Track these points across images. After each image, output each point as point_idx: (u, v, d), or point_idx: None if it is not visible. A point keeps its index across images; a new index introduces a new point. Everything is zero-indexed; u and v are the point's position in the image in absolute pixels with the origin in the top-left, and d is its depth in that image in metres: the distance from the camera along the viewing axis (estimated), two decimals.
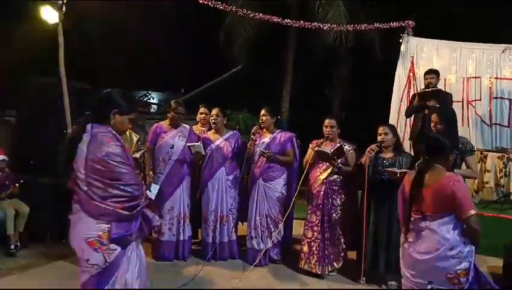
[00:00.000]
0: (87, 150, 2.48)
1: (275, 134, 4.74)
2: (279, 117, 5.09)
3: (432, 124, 4.06)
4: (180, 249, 4.68)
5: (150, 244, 4.81)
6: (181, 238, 4.68)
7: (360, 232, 4.33)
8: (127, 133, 4.53)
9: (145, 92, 13.29)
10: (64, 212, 4.89)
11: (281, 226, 4.62)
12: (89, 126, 2.55)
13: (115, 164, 2.48)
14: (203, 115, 5.14)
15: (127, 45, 10.85)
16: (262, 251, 4.57)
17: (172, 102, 4.88)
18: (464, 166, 3.95)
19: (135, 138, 4.62)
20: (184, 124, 4.86)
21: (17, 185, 4.98)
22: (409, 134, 5.99)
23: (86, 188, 2.48)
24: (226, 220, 4.73)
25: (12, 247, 4.73)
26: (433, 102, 4.95)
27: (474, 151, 4.06)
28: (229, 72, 9.30)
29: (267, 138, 4.69)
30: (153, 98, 13.64)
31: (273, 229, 4.63)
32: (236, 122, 8.47)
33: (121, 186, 2.49)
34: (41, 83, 5.28)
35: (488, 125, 5.83)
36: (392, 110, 6.15)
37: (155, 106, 12.88)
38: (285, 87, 10.26)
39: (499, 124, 5.78)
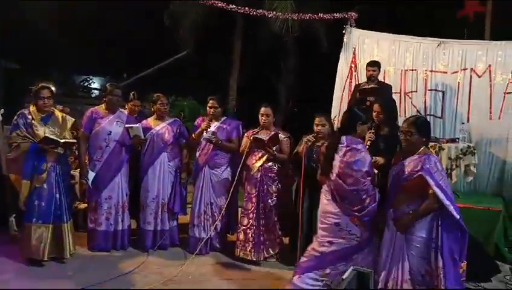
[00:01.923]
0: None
1: (221, 122, 4.69)
2: (226, 106, 5.05)
3: (374, 114, 4.19)
4: (118, 239, 4.52)
5: (85, 234, 4.61)
6: (119, 227, 4.52)
7: (294, 218, 4.41)
8: (60, 115, 4.26)
9: (86, 77, 12.71)
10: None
11: (223, 213, 4.59)
12: (343, 138, 3.34)
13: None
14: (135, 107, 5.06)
15: (68, 26, 10.28)
16: (204, 240, 4.53)
17: (107, 85, 4.68)
18: None
19: (69, 121, 4.34)
20: (121, 109, 4.69)
21: None
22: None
23: None
24: (167, 207, 4.63)
25: None
26: (373, 98, 5.10)
27: None
28: (173, 58, 9.09)
29: (213, 126, 4.62)
30: (94, 83, 13.08)
31: (217, 218, 4.60)
32: (181, 109, 8.32)
33: None
34: None
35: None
36: (335, 100, 6.23)
37: (96, 91, 12.38)
38: (232, 75, 10.21)
39: (433, 115, 6.02)
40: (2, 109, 4.74)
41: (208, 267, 4.33)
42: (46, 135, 3.97)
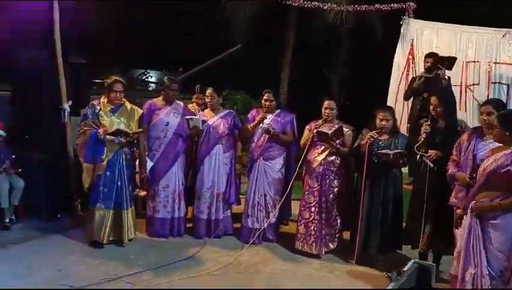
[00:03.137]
0: None
1: (275, 114, 4.72)
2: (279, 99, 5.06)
3: (432, 107, 4.06)
4: (175, 226, 4.70)
5: (144, 221, 4.83)
6: (176, 215, 4.69)
7: (354, 213, 4.38)
8: (129, 106, 4.49)
9: (143, 71, 13.19)
10: (58, 188, 5.02)
11: (278, 206, 4.64)
12: None
13: None
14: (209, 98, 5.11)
15: (125, 22, 10.71)
16: (259, 231, 4.60)
17: (165, 78, 4.85)
18: None
19: (137, 112, 4.57)
20: (177, 101, 4.84)
21: (11, 159, 4.96)
22: (407, 117, 5.96)
23: None
24: (222, 197, 4.74)
25: (7, 220, 4.74)
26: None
27: None
28: (226, 52, 9.21)
29: (268, 119, 4.66)
30: (151, 77, 13.55)
31: (270, 209, 4.65)
32: (234, 102, 8.42)
33: None
34: (33, 55, 5.18)
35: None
36: (390, 92, 6.12)
37: (153, 85, 12.81)
38: (284, 68, 10.19)
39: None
40: (70, 101, 5.04)
41: (261, 256, 4.39)
42: (118, 127, 4.21)
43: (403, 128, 5.72)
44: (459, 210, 3.30)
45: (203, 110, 5.08)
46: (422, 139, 4.00)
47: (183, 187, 4.77)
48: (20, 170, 4.88)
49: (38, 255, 4.05)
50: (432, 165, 3.93)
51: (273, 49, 10.58)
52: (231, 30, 9.44)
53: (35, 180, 4.97)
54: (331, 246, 4.46)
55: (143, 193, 5.18)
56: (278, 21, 10.11)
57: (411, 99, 5.81)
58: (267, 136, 4.62)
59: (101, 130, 4.18)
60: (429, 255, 4.24)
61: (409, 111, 6.00)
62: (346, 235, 4.61)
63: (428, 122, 4.04)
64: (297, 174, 4.64)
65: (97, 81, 6.42)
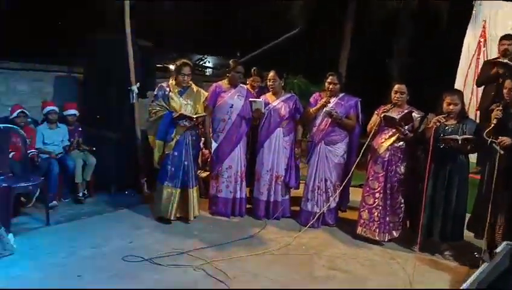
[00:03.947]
0: None
1: (339, 98, 4.66)
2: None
3: (505, 91, 3.87)
4: (237, 206, 4.82)
5: (207, 200, 4.98)
6: (238, 195, 4.81)
7: (418, 199, 4.27)
8: (195, 89, 4.63)
9: (201, 56, 13.44)
10: (126, 166, 5.29)
11: (338, 191, 4.62)
12: None
13: None
14: (257, 83, 5.20)
15: (184, 8, 10.96)
16: (318, 214, 4.61)
17: (231, 61, 4.93)
18: None
19: (203, 94, 4.71)
20: (241, 84, 4.91)
21: (84, 137, 5.28)
22: (478, 104, 5.67)
23: None
24: (281, 179, 4.79)
25: (80, 195, 5.08)
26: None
27: None
28: (284, 36, 9.17)
29: (331, 102, 4.62)
30: (209, 62, 13.78)
31: (330, 194, 4.65)
32: (291, 87, 8.40)
33: None
34: (107, 40, 5.46)
35: None
36: (458, 76, 5.83)
37: (210, 70, 13.03)
38: (343, 53, 10.02)
39: None
40: (138, 83, 5.26)
41: (321, 240, 4.41)
42: (182, 112, 4.38)
43: (471, 115, 5.46)
44: None
45: (257, 93, 5.11)
46: (493, 124, 3.83)
47: (245, 169, 4.87)
48: (94, 148, 5.19)
49: (110, 228, 4.32)
50: (502, 151, 3.76)
51: (332, 34, 10.42)
52: (290, 15, 9.40)
53: (106, 157, 5.27)
54: (394, 234, 4.39)
55: (204, 174, 5.35)
56: (338, 5, 9.93)
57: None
58: (330, 120, 4.59)
59: (176, 114, 4.36)
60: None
61: (478, 96, 5.71)
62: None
63: (500, 108, 3.85)
64: (359, 162, 4.58)
65: (161, 65, 6.69)
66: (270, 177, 4.77)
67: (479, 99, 5.73)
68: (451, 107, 4.06)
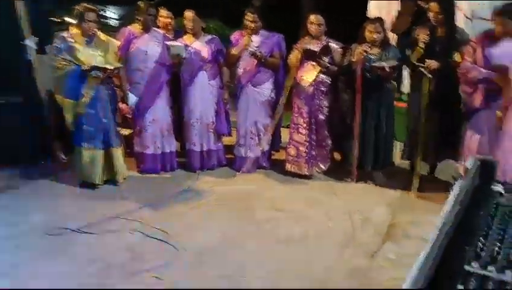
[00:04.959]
0: None
1: (261, 36, 4.44)
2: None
3: (432, 14, 3.90)
4: (167, 161, 4.52)
5: (132, 159, 4.61)
6: (167, 150, 4.50)
7: (348, 132, 4.32)
8: (104, 37, 4.10)
9: (102, 7, 12.24)
10: (34, 131, 4.67)
11: (270, 132, 4.50)
12: None
13: None
14: (168, 20, 4.67)
15: None
16: (251, 158, 4.49)
17: (139, 3, 4.38)
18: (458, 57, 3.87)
19: (113, 43, 4.17)
20: (155, 28, 4.47)
21: None
22: (392, 26, 5.70)
23: None
24: (212, 127, 4.54)
25: None
26: None
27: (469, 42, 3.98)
28: None
29: (253, 41, 4.38)
30: (114, 13, 12.64)
31: (262, 136, 4.51)
32: (206, 31, 7.96)
33: None
34: None
35: (471, 20, 5.65)
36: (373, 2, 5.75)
37: (116, 21, 11.97)
38: None
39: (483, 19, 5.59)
40: (32, 36, 4.55)
41: (259, 183, 4.33)
42: (92, 62, 3.87)
43: None
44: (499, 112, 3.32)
45: (174, 37, 4.60)
46: (421, 49, 3.88)
47: (172, 121, 4.54)
48: None
49: (27, 202, 3.81)
50: (430, 75, 3.85)
51: None
52: None
53: (6, 125, 4.59)
54: (322, 166, 4.44)
55: (126, 132, 4.92)
56: None
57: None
58: (255, 60, 4.38)
59: (85, 66, 3.84)
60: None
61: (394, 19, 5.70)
62: (337, 155, 4.62)
63: (427, 31, 3.90)
64: (288, 101, 4.48)
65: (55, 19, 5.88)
66: (200, 126, 4.50)
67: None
68: (374, 35, 4.04)
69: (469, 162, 1.33)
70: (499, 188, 1.26)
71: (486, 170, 1.32)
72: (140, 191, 4.07)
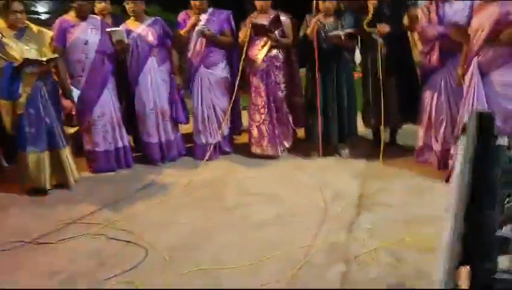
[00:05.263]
0: None
1: (209, 14, 4.20)
2: None
3: None
4: (121, 157, 4.21)
5: (82, 158, 4.27)
6: (120, 145, 4.18)
7: (307, 106, 4.24)
8: (36, 28, 3.70)
9: (32, 2, 11.36)
10: None
11: (228, 115, 4.32)
12: None
13: None
14: (103, 4, 4.34)
15: None
16: (212, 144, 4.29)
17: None
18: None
19: (47, 34, 3.78)
20: (92, 15, 4.12)
21: None
22: None
23: None
24: (168, 115, 4.27)
25: None
26: None
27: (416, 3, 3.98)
28: None
29: (201, 20, 4.14)
30: (44, 7, 11.77)
31: (222, 121, 4.32)
32: None
33: None
34: None
35: None
36: None
37: (46, 15, 11.17)
38: None
39: None
40: None
41: (224, 169, 4.15)
42: (27, 57, 3.48)
43: None
44: (460, 69, 3.35)
45: (114, 22, 4.31)
46: (371, 14, 3.83)
47: (121, 114, 4.23)
48: None
49: None
50: (381, 40, 3.83)
51: None
52: None
53: None
54: (286, 144, 4.35)
55: (72, 130, 4.55)
56: None
57: None
58: (204, 40, 4.15)
59: (17, 62, 3.45)
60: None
61: None
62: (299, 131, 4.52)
63: None
64: (245, 80, 4.31)
65: None
66: (155, 115, 4.21)
67: None
68: (327, 4, 3.93)
69: (466, 117, 1.22)
70: (504, 141, 1.16)
71: (486, 123, 1.22)
72: (96, 192, 3.76)
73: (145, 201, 3.53)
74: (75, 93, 3.97)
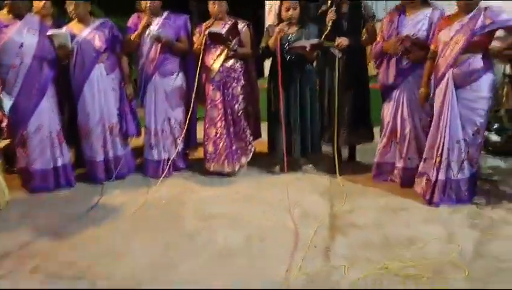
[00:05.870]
0: None
1: (164, 17, 3.87)
2: None
3: None
4: (61, 175, 3.73)
5: (14, 176, 3.74)
6: (59, 162, 3.70)
7: (272, 120, 4.03)
8: None
9: None
10: None
11: (185, 129, 3.97)
12: None
13: None
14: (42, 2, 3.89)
15: None
16: (169, 160, 3.94)
17: None
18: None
19: None
20: (31, 13, 3.64)
21: None
22: None
23: None
24: (117, 129, 3.86)
25: None
26: None
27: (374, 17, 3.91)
28: None
29: (155, 23, 3.80)
30: None
31: (177, 134, 3.97)
32: None
33: None
34: None
35: None
36: None
37: None
38: None
39: None
40: None
41: (179, 187, 3.80)
42: None
43: None
44: (423, 89, 3.32)
45: (55, 24, 3.89)
46: (329, 28, 3.71)
47: (62, 127, 3.76)
48: None
49: None
50: (339, 54, 3.73)
51: None
52: None
53: None
54: (243, 160, 4.09)
55: (2, 144, 3.98)
56: None
57: None
58: (159, 46, 3.81)
59: None
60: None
61: None
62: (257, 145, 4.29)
63: (334, 8, 3.72)
64: (201, 92, 4.01)
65: None
66: (102, 129, 3.78)
67: None
68: (290, 12, 3.77)
69: None
70: None
71: None
72: (32, 216, 3.26)
73: (92, 227, 3.10)
74: (7, 103, 3.45)
